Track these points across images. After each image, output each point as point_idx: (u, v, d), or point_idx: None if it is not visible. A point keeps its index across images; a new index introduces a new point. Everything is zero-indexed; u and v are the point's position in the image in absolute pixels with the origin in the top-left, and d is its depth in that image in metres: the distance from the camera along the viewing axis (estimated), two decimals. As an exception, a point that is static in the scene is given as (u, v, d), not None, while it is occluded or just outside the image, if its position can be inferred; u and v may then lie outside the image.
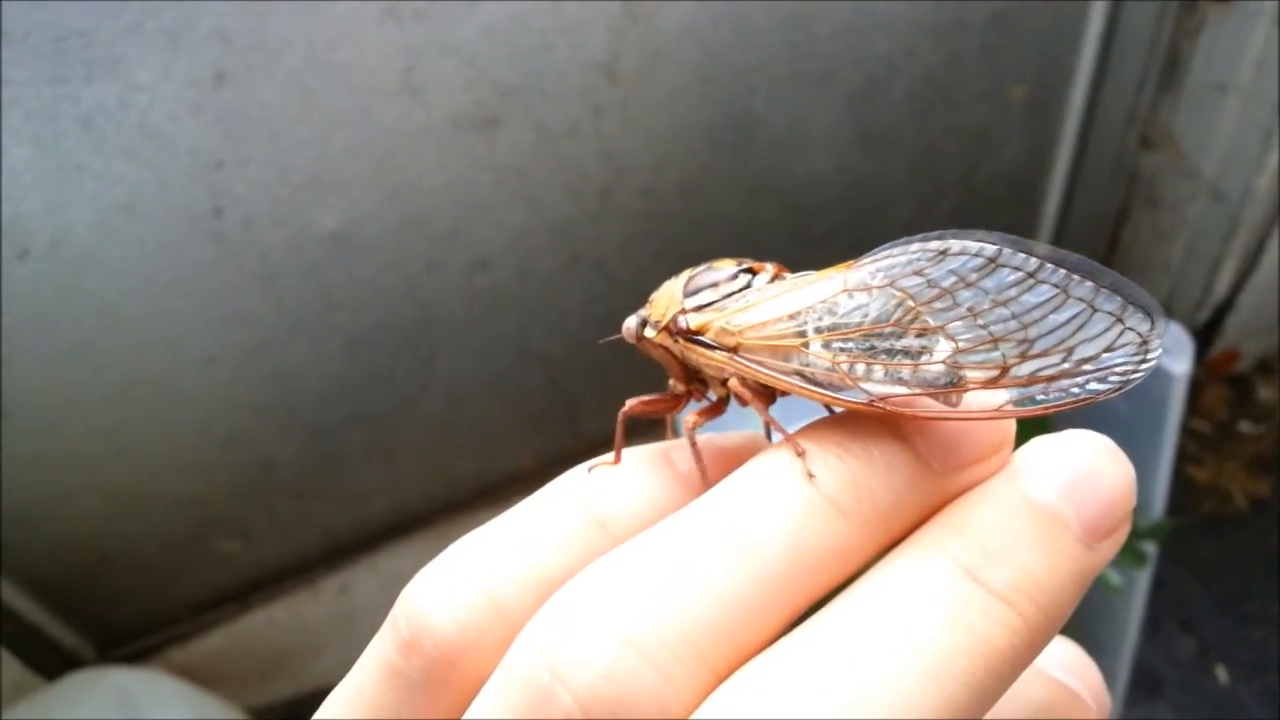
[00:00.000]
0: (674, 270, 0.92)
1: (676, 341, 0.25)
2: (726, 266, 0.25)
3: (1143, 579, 0.86)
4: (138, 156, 0.78)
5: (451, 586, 0.20)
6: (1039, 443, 0.21)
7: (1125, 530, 0.20)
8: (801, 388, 0.23)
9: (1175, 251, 1.24)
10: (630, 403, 0.25)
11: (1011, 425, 0.21)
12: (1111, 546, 0.20)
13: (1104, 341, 0.22)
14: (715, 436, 0.24)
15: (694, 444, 0.22)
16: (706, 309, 0.24)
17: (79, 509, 0.99)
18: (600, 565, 0.19)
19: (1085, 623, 0.95)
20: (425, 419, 1.07)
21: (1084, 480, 0.20)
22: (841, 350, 0.23)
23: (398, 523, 1.15)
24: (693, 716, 0.17)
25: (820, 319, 0.23)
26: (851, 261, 0.24)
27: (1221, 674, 1.15)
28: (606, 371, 1.12)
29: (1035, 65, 1.09)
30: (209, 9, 0.73)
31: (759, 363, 0.23)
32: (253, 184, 0.82)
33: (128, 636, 1.13)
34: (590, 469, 0.23)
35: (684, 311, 0.24)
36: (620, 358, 1.08)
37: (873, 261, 0.23)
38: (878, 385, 0.22)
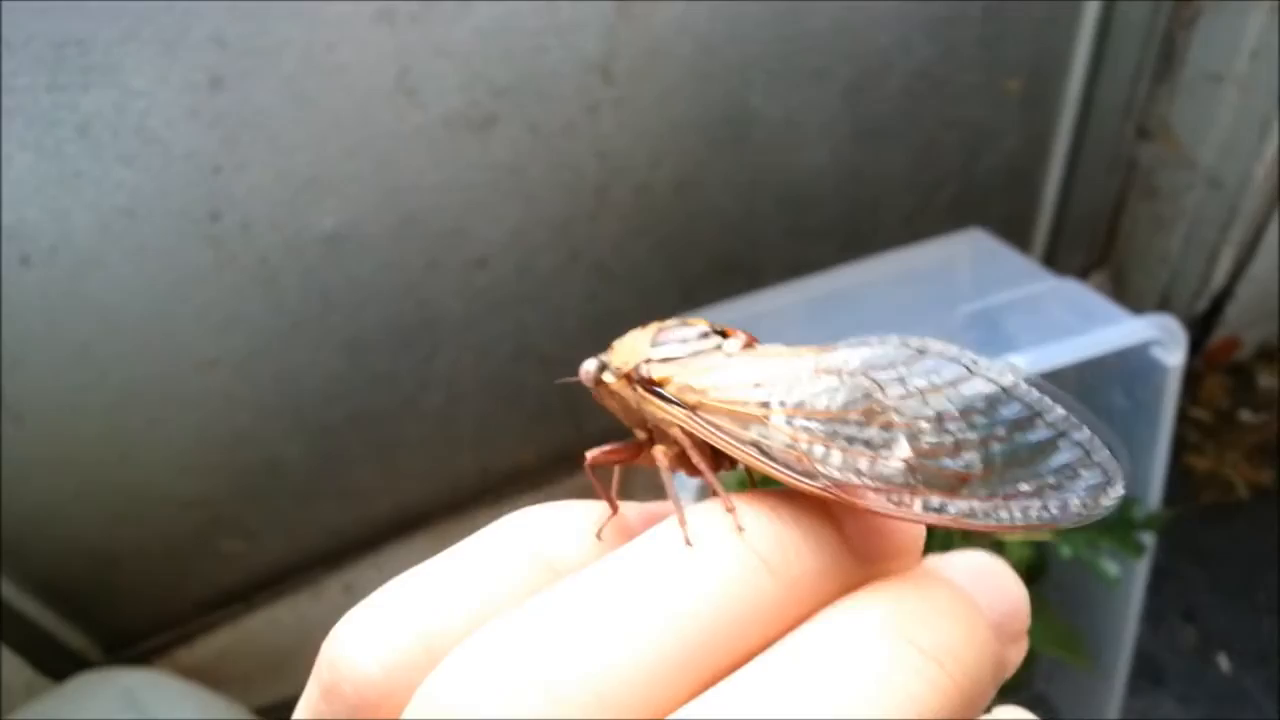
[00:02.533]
0: (671, 267, 0.93)
1: (635, 390, 0.24)
2: (698, 325, 0.25)
3: (1141, 570, 0.86)
4: (135, 162, 0.79)
5: (378, 627, 0.20)
6: (960, 557, 0.22)
7: (1024, 645, 0.21)
8: (755, 459, 0.22)
9: (1174, 241, 1.24)
10: (593, 453, 0.25)
11: (922, 537, 0.22)
12: (1016, 653, 0.21)
13: (1068, 472, 0.21)
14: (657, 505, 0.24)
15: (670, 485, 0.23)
16: (672, 362, 0.24)
17: (85, 512, 1.00)
18: (514, 613, 0.19)
19: (1085, 614, 0.96)
20: (426, 417, 1.07)
21: (990, 578, 0.21)
22: (803, 429, 0.22)
23: (401, 521, 1.16)
24: None
25: (787, 393, 0.23)
26: (828, 346, 0.23)
27: (1224, 663, 1.15)
28: (606, 369, 1.12)
29: (1031, 57, 1.09)
30: (204, 14, 0.74)
31: (717, 426, 0.23)
32: (250, 187, 0.83)
33: (134, 637, 1.14)
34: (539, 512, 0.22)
35: (649, 361, 0.24)
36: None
37: (849, 348, 0.23)
38: (833, 470, 0.22)
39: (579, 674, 0.17)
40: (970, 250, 0.95)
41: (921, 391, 0.22)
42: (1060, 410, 0.22)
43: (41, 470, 0.94)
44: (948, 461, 0.21)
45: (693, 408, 0.23)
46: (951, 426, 0.22)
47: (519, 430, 1.16)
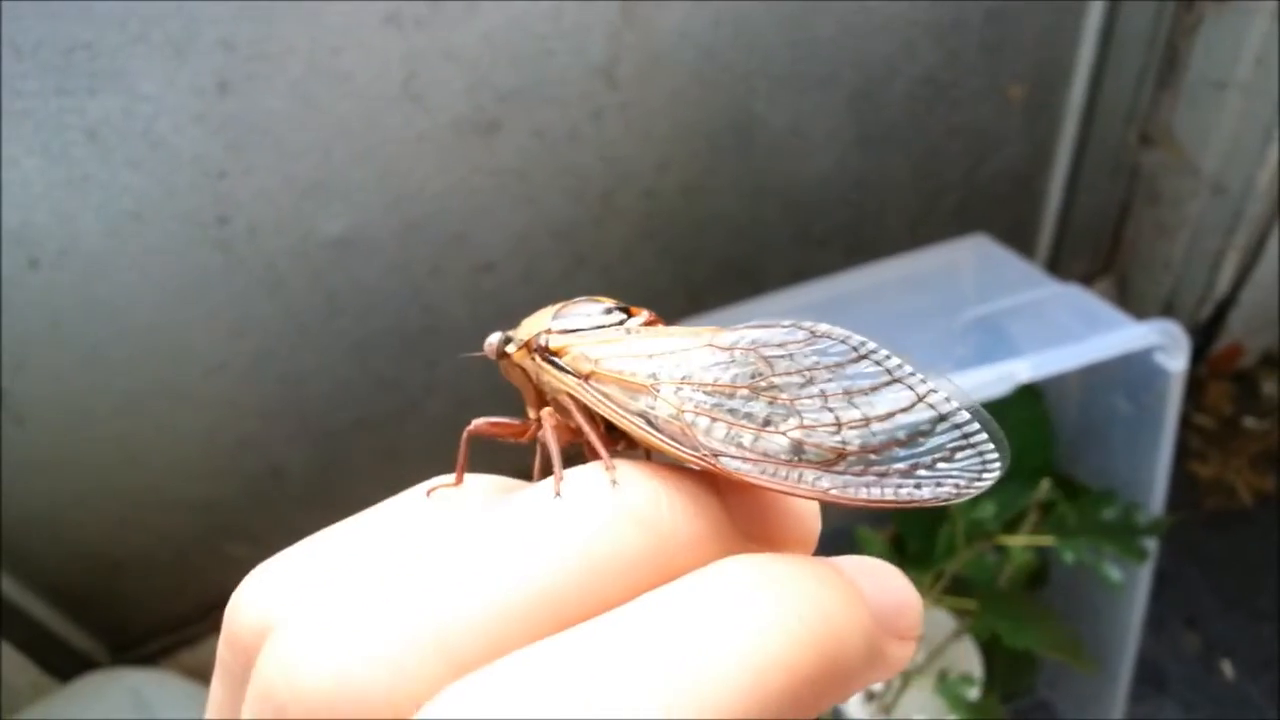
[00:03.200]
0: (676, 272, 0.93)
1: (533, 359, 0.25)
2: (604, 302, 0.26)
3: (1144, 575, 0.86)
4: (143, 166, 0.79)
5: (267, 586, 0.21)
6: (858, 560, 0.22)
7: (911, 648, 0.21)
8: (641, 429, 0.23)
9: (1177, 248, 1.24)
10: (477, 422, 0.26)
11: (815, 530, 0.22)
12: (901, 651, 0.21)
13: (946, 452, 0.22)
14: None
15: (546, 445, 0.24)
16: (571, 334, 0.25)
17: (92, 515, 1.00)
18: (370, 563, 0.19)
19: (1088, 620, 0.96)
20: (431, 423, 1.08)
21: (880, 574, 0.21)
22: (690, 400, 0.23)
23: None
24: (420, 714, 0.17)
25: (677, 366, 0.23)
26: (723, 328, 0.24)
27: (1227, 670, 1.15)
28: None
29: (1034, 64, 1.09)
30: (211, 19, 0.74)
31: (606, 395, 0.24)
32: (257, 191, 0.83)
33: (140, 639, 1.14)
34: (429, 491, 0.23)
35: (549, 332, 0.25)
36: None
37: (746, 328, 0.24)
38: (715, 443, 0.22)
39: (426, 619, 0.18)
40: (974, 256, 0.95)
41: (808, 370, 0.23)
42: (943, 395, 0.22)
43: (48, 473, 0.94)
44: (827, 438, 0.22)
45: (585, 376, 0.24)
46: (834, 404, 0.22)
47: (523, 435, 1.17)
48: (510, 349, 0.26)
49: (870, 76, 1.00)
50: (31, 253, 0.80)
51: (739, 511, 0.21)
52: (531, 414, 0.26)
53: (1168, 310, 1.29)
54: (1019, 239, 1.27)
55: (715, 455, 0.22)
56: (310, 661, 0.17)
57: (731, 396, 0.23)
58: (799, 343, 0.23)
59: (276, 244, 0.87)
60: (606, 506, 0.19)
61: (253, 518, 1.07)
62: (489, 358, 0.27)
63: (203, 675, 1.11)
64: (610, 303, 0.26)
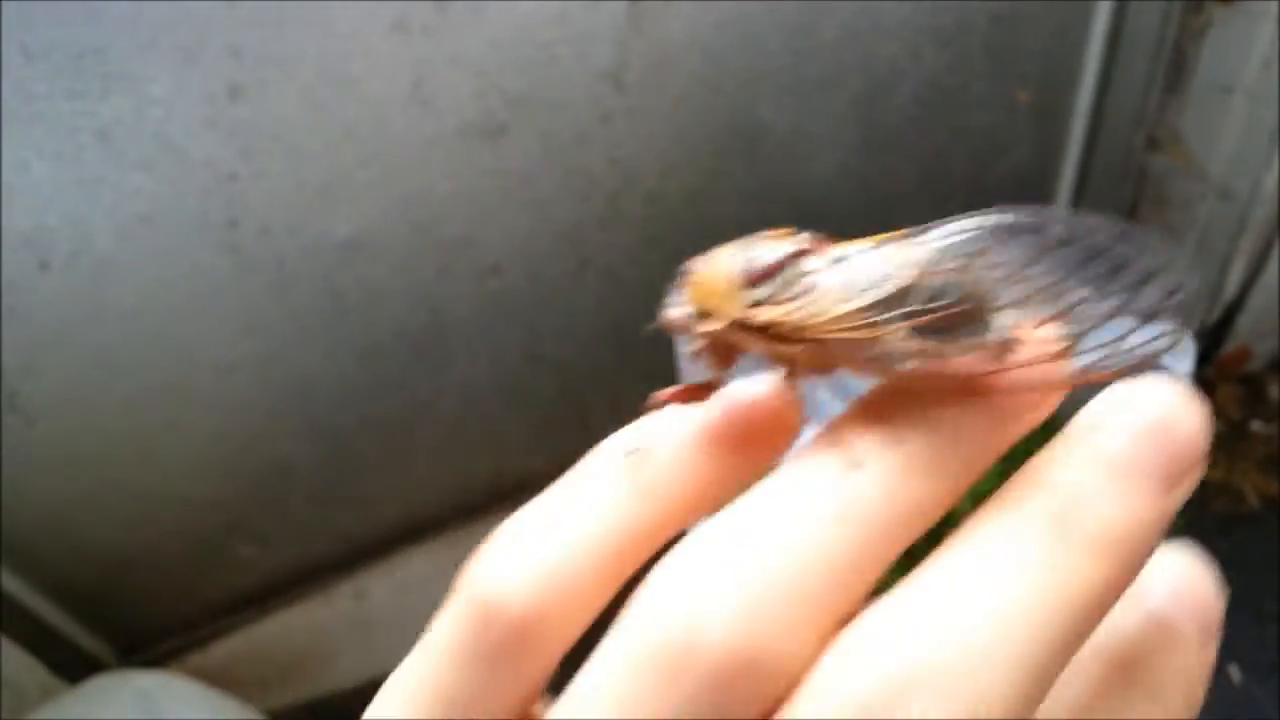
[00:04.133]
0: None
1: (737, 334, 0.23)
2: (778, 244, 0.23)
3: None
4: (154, 169, 0.80)
5: (523, 556, 0.20)
6: (1107, 396, 0.20)
7: (1198, 474, 0.20)
8: (877, 372, 0.22)
9: (1184, 251, 1.24)
10: (663, 393, 0.23)
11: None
12: (1185, 492, 0.20)
13: (1157, 303, 0.22)
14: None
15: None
16: (770, 302, 0.22)
17: (101, 514, 1.01)
18: (708, 528, 0.19)
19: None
20: (438, 423, 1.08)
21: (1157, 429, 0.20)
22: (916, 334, 0.21)
23: (413, 527, 1.17)
24: (813, 672, 0.18)
25: (895, 306, 0.22)
26: (902, 233, 0.23)
27: (1235, 673, 1.15)
28: (617, 377, 1.13)
29: (1040, 68, 1.09)
30: (222, 25, 0.75)
31: (833, 355, 0.22)
32: (267, 195, 0.84)
33: (148, 641, 1.15)
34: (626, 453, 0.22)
35: (756, 305, 0.22)
36: (631, 363, 1.09)
37: (941, 238, 0.23)
38: (950, 355, 0.21)
39: (790, 574, 0.18)
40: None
41: (1023, 267, 0.22)
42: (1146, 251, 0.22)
43: (58, 473, 0.95)
44: (1058, 328, 0.21)
45: (805, 342, 0.22)
46: (1057, 293, 0.22)
47: (531, 436, 1.17)
48: (709, 326, 0.23)
49: (875, 81, 1.01)
50: (43, 255, 0.81)
51: (987, 402, 0.21)
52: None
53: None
54: (1026, 242, 1.27)
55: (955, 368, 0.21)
56: (726, 626, 0.17)
57: (959, 318, 0.21)
58: (1000, 241, 0.22)
59: (286, 246, 0.87)
60: (897, 460, 0.19)
61: (261, 517, 1.08)
62: (670, 332, 0.24)
63: (211, 678, 1.12)
64: (784, 241, 0.23)
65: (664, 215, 1.03)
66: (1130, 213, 1.27)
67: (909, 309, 0.21)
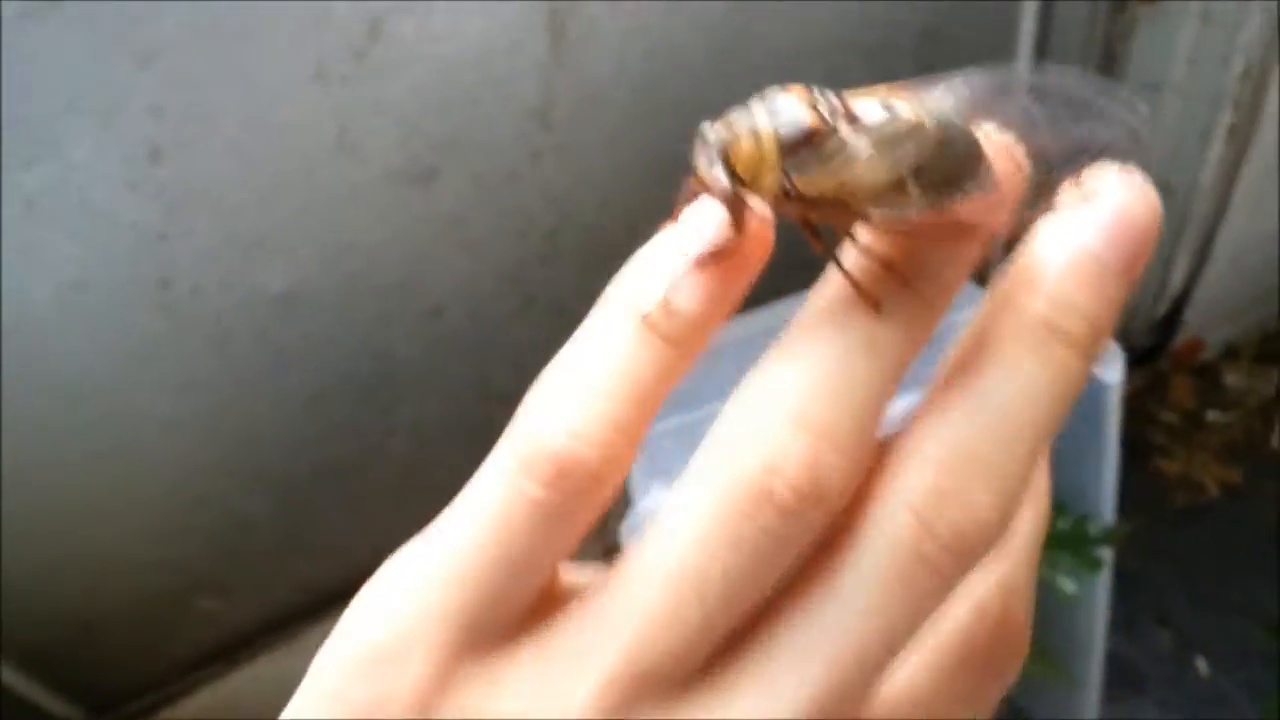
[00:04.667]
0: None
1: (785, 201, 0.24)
2: (800, 106, 0.23)
3: (1102, 583, 0.87)
4: (82, 235, 0.80)
5: (586, 412, 0.22)
6: (1076, 189, 0.23)
7: (1148, 256, 0.23)
8: (886, 225, 0.24)
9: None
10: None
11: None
12: (1136, 275, 0.23)
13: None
14: None
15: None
16: (809, 171, 0.23)
17: (59, 580, 1.00)
18: (763, 377, 0.22)
19: (1055, 627, 0.96)
20: (393, 466, 1.08)
21: (1122, 224, 0.22)
22: (930, 187, 0.23)
23: (376, 569, 1.16)
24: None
25: (917, 167, 0.23)
26: (904, 84, 0.24)
27: (1202, 666, 1.15)
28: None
29: (971, 77, 1.10)
30: (140, 85, 0.75)
31: (856, 214, 0.24)
32: (197, 253, 0.84)
33: (118, 700, 1.14)
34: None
35: (795, 174, 0.23)
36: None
37: (945, 92, 0.24)
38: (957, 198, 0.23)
39: (837, 406, 0.21)
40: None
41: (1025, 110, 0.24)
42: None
43: (11, 543, 0.94)
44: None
45: (842, 205, 0.23)
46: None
47: (489, 472, 1.17)
48: (753, 197, 0.24)
49: (805, 101, 1.01)
50: (-20, 329, 0.81)
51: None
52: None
53: (1124, 309, 1.30)
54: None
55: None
56: (795, 458, 0.20)
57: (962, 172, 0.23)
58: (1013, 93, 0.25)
59: (221, 303, 0.87)
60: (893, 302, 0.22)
61: (221, 572, 1.08)
62: (703, 190, 0.24)
63: (181, 733, 1.12)
64: (807, 107, 0.23)
65: (605, 247, 1.03)
66: (1072, 213, 1.29)
67: (924, 166, 0.23)
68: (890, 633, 0.20)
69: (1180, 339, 1.33)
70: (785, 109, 0.23)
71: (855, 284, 0.22)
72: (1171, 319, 1.29)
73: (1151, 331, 1.30)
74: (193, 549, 1.04)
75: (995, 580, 0.23)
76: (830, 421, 0.20)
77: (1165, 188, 1.16)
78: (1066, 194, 0.23)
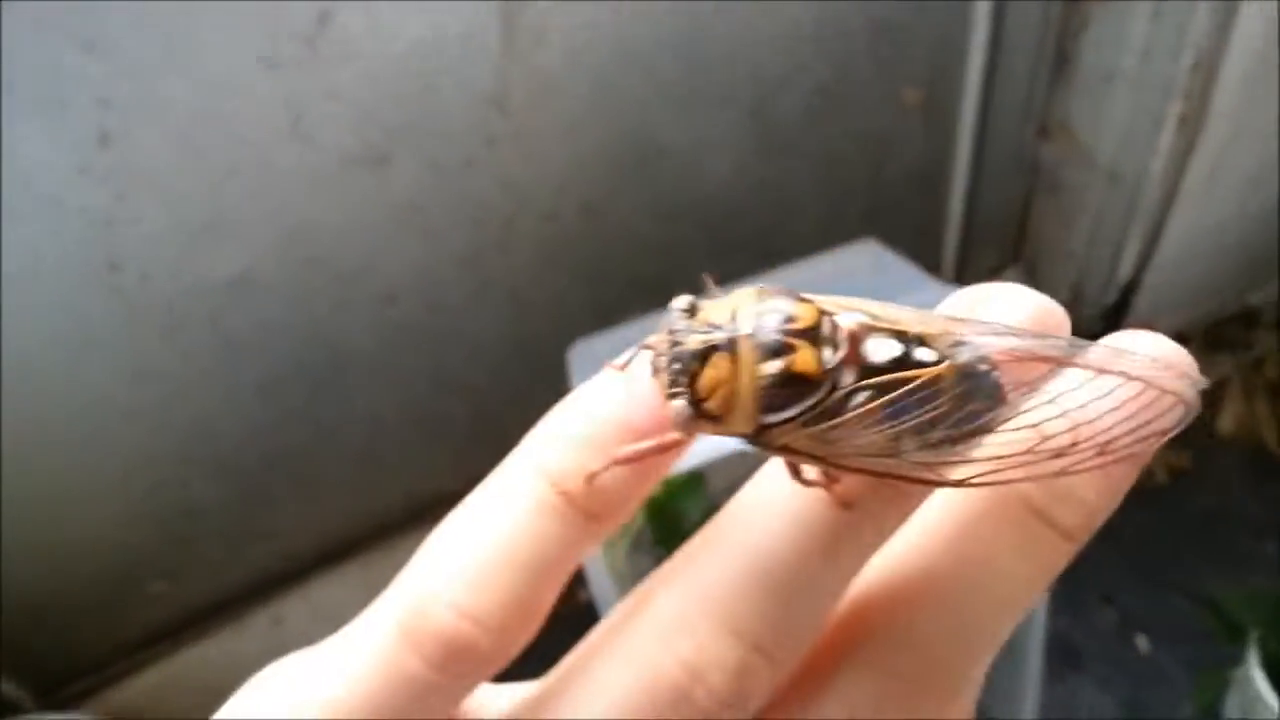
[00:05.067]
0: (586, 293, 0.93)
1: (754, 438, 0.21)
2: (800, 352, 0.19)
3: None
4: (31, 221, 0.79)
5: (473, 586, 0.19)
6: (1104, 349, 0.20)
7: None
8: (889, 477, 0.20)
9: (1079, 236, 1.27)
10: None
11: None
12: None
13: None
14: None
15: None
16: (791, 423, 0.19)
17: (12, 565, 0.99)
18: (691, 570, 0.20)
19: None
20: (348, 454, 1.08)
21: (1141, 402, 0.20)
22: (929, 446, 0.20)
23: (327, 554, 1.16)
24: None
25: (926, 428, 0.20)
26: (943, 320, 0.20)
27: (1142, 644, 1.18)
28: (529, 397, 1.13)
29: (926, 68, 1.11)
30: (89, 73, 0.74)
31: (847, 465, 0.20)
32: (147, 238, 0.83)
33: (64, 681, 1.14)
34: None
35: (763, 429, 0.20)
36: (542, 382, 1.10)
37: (977, 351, 0.20)
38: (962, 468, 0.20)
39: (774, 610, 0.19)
40: (865, 260, 0.97)
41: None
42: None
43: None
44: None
45: (820, 458, 0.20)
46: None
47: (445, 460, 1.17)
48: (716, 434, 0.20)
49: (763, 92, 1.02)
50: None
51: None
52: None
53: (1075, 297, 1.32)
54: (928, 236, 1.29)
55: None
56: (724, 669, 0.18)
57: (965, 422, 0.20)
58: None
59: (171, 288, 0.86)
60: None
61: (171, 556, 1.07)
62: (670, 426, 0.20)
63: (130, 714, 1.11)
64: (818, 373, 0.19)
65: (562, 234, 1.03)
66: (1026, 202, 1.30)
67: (931, 423, 0.19)
68: None
69: (1130, 326, 1.35)
70: (774, 331, 0.19)
71: (827, 487, 0.19)
72: (1121, 306, 1.32)
73: (1101, 319, 1.32)
74: (144, 534, 1.03)
75: None
76: (768, 631, 0.18)
77: (1115, 178, 1.18)
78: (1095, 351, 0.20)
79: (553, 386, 1.05)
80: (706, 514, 0.22)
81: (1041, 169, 1.27)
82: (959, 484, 0.19)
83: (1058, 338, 0.20)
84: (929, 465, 0.19)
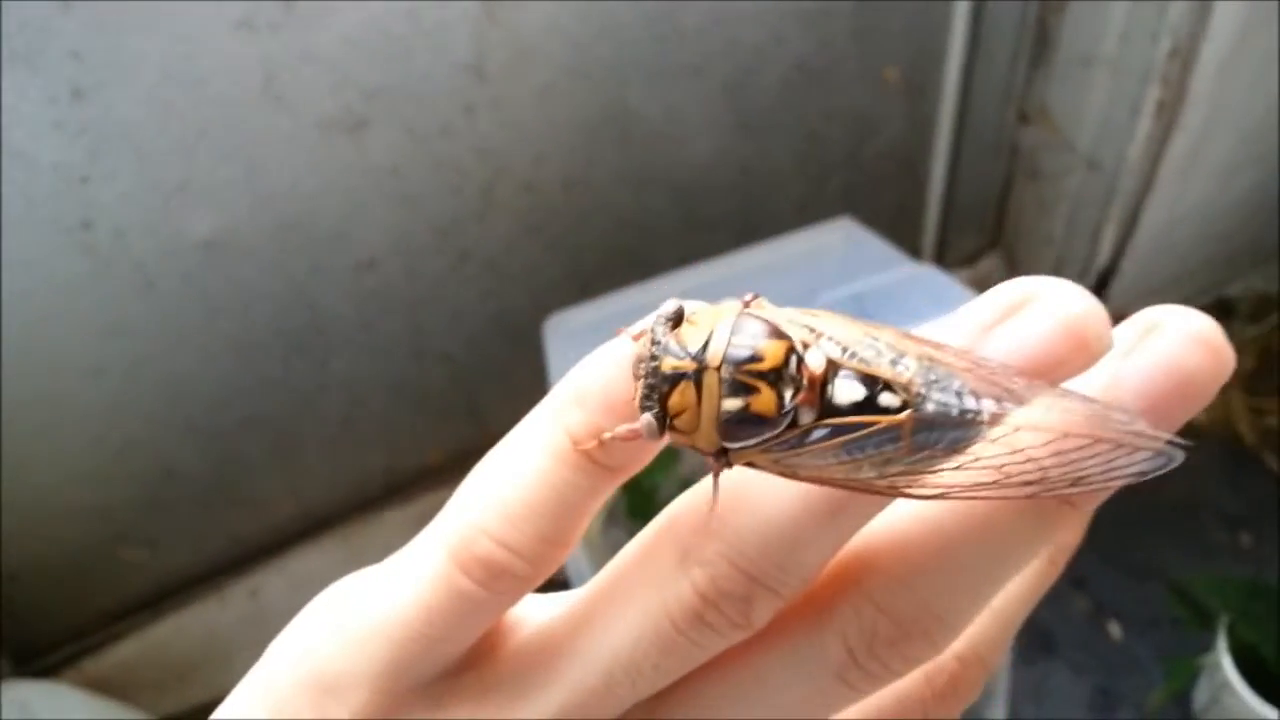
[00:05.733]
0: (564, 263, 0.93)
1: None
2: (759, 391, 0.20)
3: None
4: (2, 175, 0.79)
5: (518, 527, 0.21)
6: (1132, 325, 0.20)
7: None
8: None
9: (1058, 221, 1.28)
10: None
11: None
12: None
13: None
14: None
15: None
16: (751, 449, 0.20)
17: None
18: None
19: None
20: (325, 420, 1.08)
21: (1173, 377, 0.19)
22: (891, 473, 0.20)
23: (306, 525, 1.16)
24: None
25: (884, 465, 0.20)
26: (932, 347, 0.20)
27: (1114, 630, 1.19)
28: (507, 366, 1.14)
29: (907, 47, 1.12)
30: (59, 28, 0.74)
31: (811, 479, 0.20)
32: (120, 196, 0.83)
33: (42, 650, 1.14)
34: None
35: (724, 451, 0.20)
36: (520, 351, 1.10)
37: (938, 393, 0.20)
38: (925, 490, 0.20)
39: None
40: (841, 239, 0.97)
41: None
42: None
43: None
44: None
45: (782, 474, 0.20)
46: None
47: (424, 430, 1.18)
48: (680, 444, 0.21)
49: (741, 65, 1.02)
50: (-110, 267, 0.79)
51: None
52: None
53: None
54: (907, 218, 1.30)
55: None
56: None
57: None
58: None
59: (145, 246, 0.87)
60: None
61: (148, 522, 1.07)
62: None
63: (107, 684, 1.11)
64: (774, 406, 0.20)
65: (541, 204, 1.03)
66: (1005, 186, 1.31)
67: (889, 459, 0.20)
68: (801, 713, 0.22)
69: (1109, 312, 1.36)
70: (739, 369, 0.20)
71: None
72: (1098, 293, 1.32)
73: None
74: (118, 498, 1.03)
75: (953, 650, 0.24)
76: (774, 572, 0.20)
77: (1094, 163, 1.18)
78: (1122, 329, 0.19)
79: (530, 357, 1.06)
80: (680, 488, 0.23)
81: (1021, 153, 1.27)
82: (925, 498, 0.20)
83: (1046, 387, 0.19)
84: (893, 486, 0.20)
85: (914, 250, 1.32)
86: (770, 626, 0.21)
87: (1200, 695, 1.08)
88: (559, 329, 0.97)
